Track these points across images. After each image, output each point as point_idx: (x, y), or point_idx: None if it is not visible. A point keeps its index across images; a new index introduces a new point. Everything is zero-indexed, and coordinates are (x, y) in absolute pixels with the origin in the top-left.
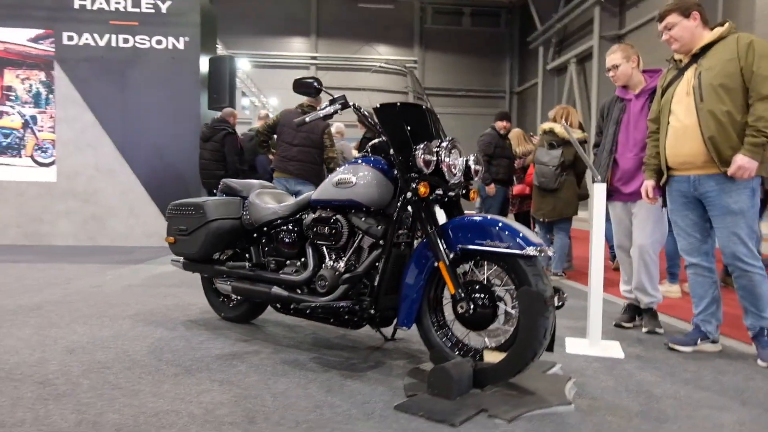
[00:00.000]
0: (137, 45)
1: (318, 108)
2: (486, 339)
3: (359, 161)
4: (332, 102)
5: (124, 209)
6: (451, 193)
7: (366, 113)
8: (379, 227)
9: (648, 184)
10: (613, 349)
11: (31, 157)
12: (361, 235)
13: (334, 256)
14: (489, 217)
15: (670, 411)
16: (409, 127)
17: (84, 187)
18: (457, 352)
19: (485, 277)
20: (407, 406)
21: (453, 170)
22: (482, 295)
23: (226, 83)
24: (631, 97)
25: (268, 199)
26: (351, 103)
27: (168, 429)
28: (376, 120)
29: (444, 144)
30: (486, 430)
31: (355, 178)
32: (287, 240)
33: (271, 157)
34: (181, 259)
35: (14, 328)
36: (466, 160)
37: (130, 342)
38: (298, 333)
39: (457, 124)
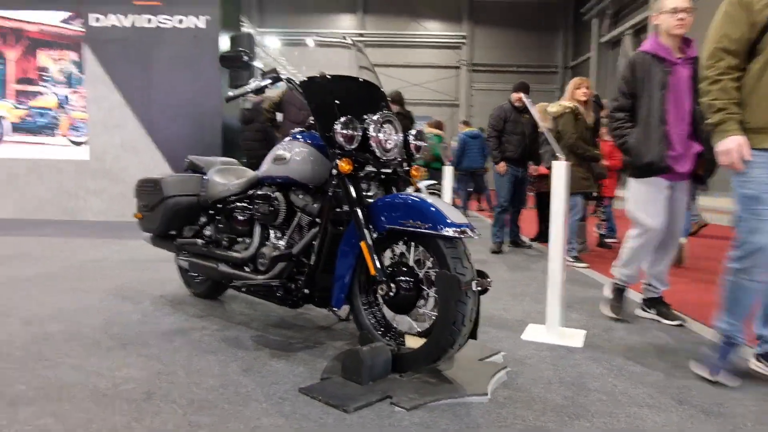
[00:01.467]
0: (160, 25)
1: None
2: (412, 323)
3: (297, 137)
4: (264, 75)
5: None
6: (387, 170)
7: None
8: (315, 205)
9: (740, 141)
10: (574, 338)
11: (66, 135)
12: (299, 213)
13: (276, 234)
14: (417, 196)
15: (592, 407)
16: (338, 102)
17: (111, 165)
18: (385, 336)
19: (412, 258)
20: (311, 389)
21: (385, 146)
22: (406, 278)
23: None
24: (676, 61)
25: (225, 176)
26: (284, 77)
27: (63, 402)
28: (302, 94)
29: (375, 118)
30: (380, 419)
31: (289, 155)
32: (239, 217)
33: (278, 135)
34: (149, 235)
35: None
36: (405, 136)
37: (88, 315)
38: (257, 311)
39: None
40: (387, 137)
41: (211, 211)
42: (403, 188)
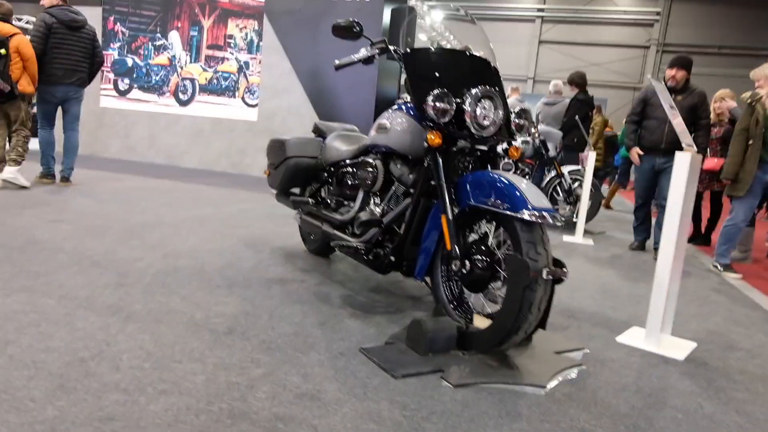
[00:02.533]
0: None
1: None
2: (485, 303)
3: (401, 107)
4: (372, 45)
5: None
6: (483, 147)
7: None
8: (411, 176)
9: None
10: (677, 349)
11: (242, 98)
12: (396, 183)
13: (375, 201)
14: (504, 175)
15: (659, 423)
16: (439, 74)
17: (278, 127)
18: (456, 311)
19: (492, 238)
20: (371, 350)
21: (482, 122)
22: (482, 257)
23: (403, 34)
24: None
25: (342, 142)
26: (391, 47)
27: (162, 324)
28: (404, 66)
29: (473, 92)
30: (423, 390)
31: (390, 124)
32: (347, 181)
33: None
34: (275, 192)
35: (149, 233)
36: (508, 114)
37: (214, 256)
38: (358, 273)
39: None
40: (484, 113)
41: (325, 174)
42: (495, 166)
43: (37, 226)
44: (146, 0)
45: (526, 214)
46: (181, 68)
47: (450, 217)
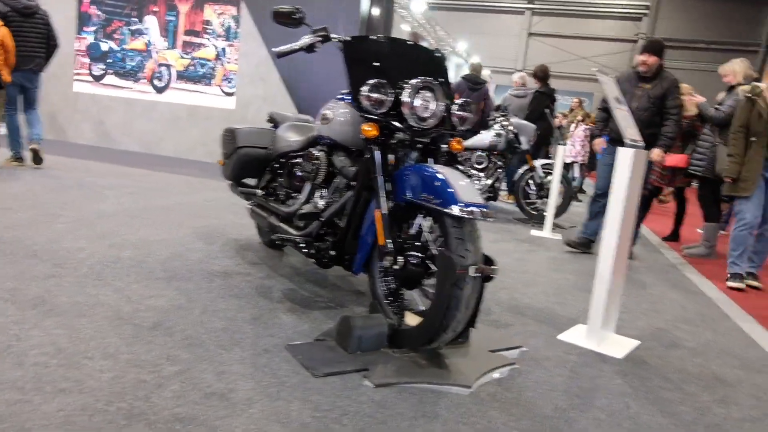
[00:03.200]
0: None
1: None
2: (417, 300)
3: (344, 98)
4: (313, 33)
5: None
6: (423, 140)
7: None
8: (352, 168)
9: None
10: (617, 347)
11: (220, 86)
12: (339, 176)
13: (320, 194)
14: (437, 169)
15: (579, 424)
16: (379, 64)
17: (253, 116)
18: (391, 307)
19: (427, 234)
20: (296, 348)
21: (420, 114)
22: (416, 253)
23: (380, 24)
24: None
25: (292, 132)
26: (333, 36)
27: (84, 318)
28: (343, 54)
29: (412, 83)
30: (342, 390)
31: (332, 115)
32: (296, 173)
33: None
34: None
35: (102, 222)
36: (448, 105)
37: (161, 247)
38: (308, 267)
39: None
40: (424, 105)
41: (275, 165)
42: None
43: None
44: None
45: (455, 210)
46: (157, 54)
47: (384, 211)
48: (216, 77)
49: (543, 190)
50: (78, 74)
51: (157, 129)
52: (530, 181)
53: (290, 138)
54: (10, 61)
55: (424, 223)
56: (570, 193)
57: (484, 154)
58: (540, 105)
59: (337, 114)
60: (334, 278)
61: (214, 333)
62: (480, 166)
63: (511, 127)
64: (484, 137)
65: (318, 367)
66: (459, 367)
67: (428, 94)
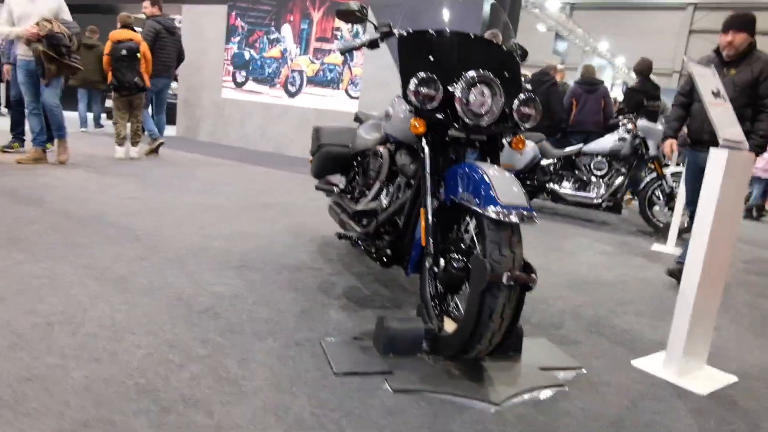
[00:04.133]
0: None
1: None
2: (460, 305)
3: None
4: (376, 29)
5: None
6: (480, 137)
7: None
8: (412, 166)
9: None
10: (703, 381)
11: (346, 90)
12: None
13: (385, 191)
14: (483, 167)
15: None
16: (434, 58)
17: None
18: (436, 311)
19: (472, 235)
20: (329, 344)
21: (475, 109)
22: (459, 255)
23: (500, 23)
24: None
25: (369, 131)
26: (395, 30)
27: (144, 296)
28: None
29: (466, 77)
30: (358, 390)
31: (393, 111)
32: (368, 171)
33: None
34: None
35: (206, 215)
36: (508, 102)
37: (248, 239)
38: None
39: None
40: (479, 100)
41: (354, 163)
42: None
43: (110, 201)
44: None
45: (490, 211)
46: (291, 60)
47: (429, 210)
48: (343, 81)
49: (673, 201)
50: (225, 81)
51: (288, 131)
52: (658, 191)
53: (367, 136)
54: (149, 70)
55: (471, 224)
56: None
57: (604, 159)
58: (630, 102)
59: (398, 111)
60: (404, 280)
61: (257, 322)
62: (599, 173)
63: (638, 131)
64: (606, 141)
65: (340, 366)
66: (494, 381)
67: (485, 89)
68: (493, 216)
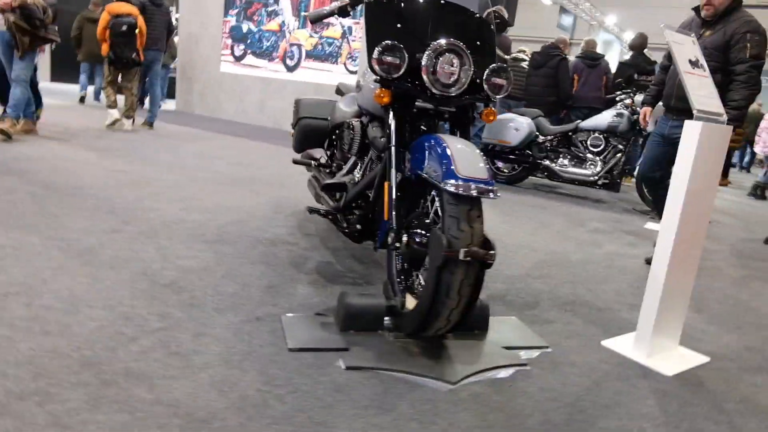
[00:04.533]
0: None
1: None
2: (422, 281)
3: None
4: None
5: None
6: (449, 109)
7: None
8: (383, 139)
9: None
10: (672, 362)
11: (344, 64)
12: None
13: (359, 165)
14: (447, 139)
15: None
16: (401, 26)
17: None
18: (400, 287)
19: (434, 210)
20: (288, 320)
21: (443, 79)
22: (421, 230)
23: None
24: None
25: (348, 103)
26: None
27: (109, 269)
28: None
29: (433, 45)
30: (309, 367)
31: (363, 81)
32: (343, 144)
33: None
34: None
35: (190, 188)
36: (480, 73)
37: (228, 213)
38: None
39: None
40: (447, 70)
41: (332, 137)
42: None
43: (96, 173)
44: None
45: (449, 185)
46: (290, 33)
47: (392, 184)
48: (342, 56)
49: None
50: (223, 55)
51: (287, 106)
52: None
53: (346, 109)
54: (143, 44)
55: (436, 199)
56: None
57: (601, 136)
58: (621, 76)
59: (368, 81)
60: (379, 255)
61: (221, 296)
62: (596, 149)
63: (636, 107)
64: (603, 117)
65: (296, 342)
66: (453, 360)
67: (454, 58)
68: (452, 190)
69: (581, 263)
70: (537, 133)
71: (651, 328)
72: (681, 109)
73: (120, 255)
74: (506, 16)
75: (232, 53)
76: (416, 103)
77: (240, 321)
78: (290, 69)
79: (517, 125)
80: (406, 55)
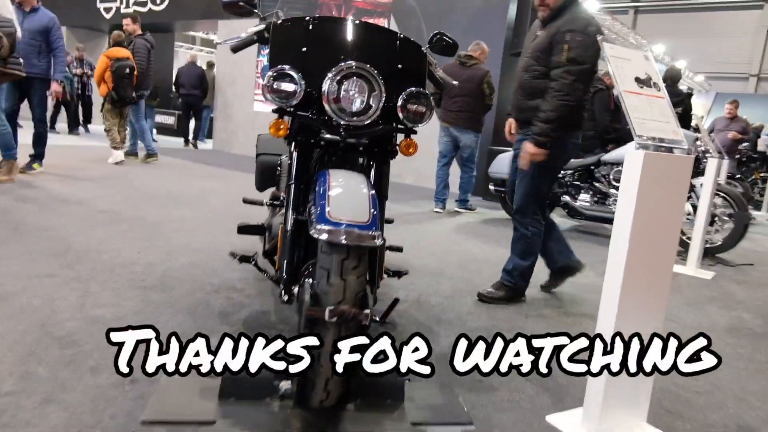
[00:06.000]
0: None
1: None
2: None
3: None
4: (260, 20)
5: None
6: (356, 141)
7: None
8: (284, 176)
9: None
10: None
11: None
12: None
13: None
14: (335, 173)
15: None
16: (307, 49)
17: None
18: None
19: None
20: (167, 383)
21: (347, 107)
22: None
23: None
24: None
25: None
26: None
27: (19, 317)
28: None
29: (336, 69)
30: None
31: None
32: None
33: None
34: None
35: (168, 227)
36: (388, 98)
37: (190, 255)
38: None
39: None
40: (348, 95)
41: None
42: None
43: (76, 213)
44: (290, 4)
45: (317, 230)
46: None
47: (287, 227)
48: None
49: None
50: (256, 95)
51: None
52: (687, 204)
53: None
54: (134, 84)
55: None
56: (743, 219)
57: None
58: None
59: None
60: None
61: (111, 352)
62: (619, 183)
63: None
64: (626, 149)
65: (155, 411)
66: None
67: (361, 83)
68: (320, 237)
69: (574, 316)
70: None
71: (600, 399)
72: (523, 120)
73: (32, 303)
74: (451, 40)
75: (263, 93)
76: (324, 135)
77: (110, 384)
78: None
79: None
80: (302, 82)
